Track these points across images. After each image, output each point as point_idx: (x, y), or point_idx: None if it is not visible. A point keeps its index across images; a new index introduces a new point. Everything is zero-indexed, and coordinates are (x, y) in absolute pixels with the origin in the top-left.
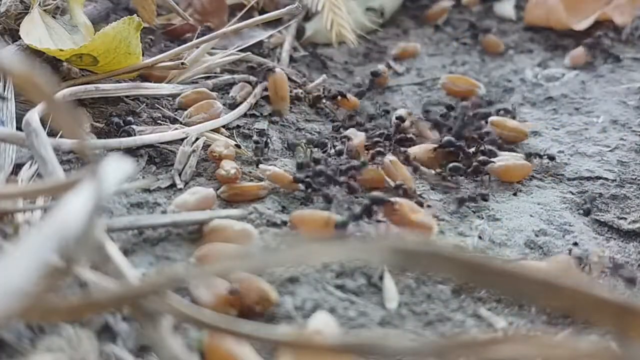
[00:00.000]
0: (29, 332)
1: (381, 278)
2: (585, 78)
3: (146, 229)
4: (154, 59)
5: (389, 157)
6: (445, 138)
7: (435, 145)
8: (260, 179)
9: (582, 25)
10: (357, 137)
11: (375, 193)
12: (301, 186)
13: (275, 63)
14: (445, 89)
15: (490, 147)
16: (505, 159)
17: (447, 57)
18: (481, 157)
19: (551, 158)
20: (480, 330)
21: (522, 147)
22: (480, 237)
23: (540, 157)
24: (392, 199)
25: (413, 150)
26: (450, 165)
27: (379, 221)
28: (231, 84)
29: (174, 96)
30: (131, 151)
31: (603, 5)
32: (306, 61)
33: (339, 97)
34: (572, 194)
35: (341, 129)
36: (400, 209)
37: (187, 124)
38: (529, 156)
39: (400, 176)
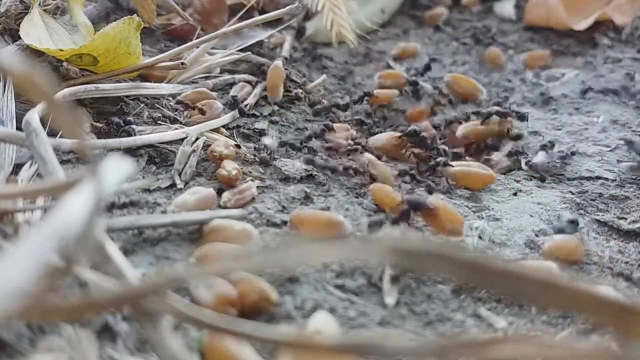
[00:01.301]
0: (29, 332)
1: (381, 278)
2: (585, 78)
3: (146, 229)
4: (154, 59)
5: (367, 155)
6: (411, 127)
7: (400, 134)
8: (260, 179)
9: (582, 25)
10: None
11: (414, 197)
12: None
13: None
14: (449, 88)
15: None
16: (466, 164)
17: (447, 57)
18: (439, 159)
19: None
20: (480, 330)
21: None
22: (480, 237)
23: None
24: (430, 203)
25: (375, 139)
26: (398, 170)
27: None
28: (231, 84)
29: (174, 96)
30: (131, 151)
31: (603, 5)
32: (306, 61)
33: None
34: (572, 194)
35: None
36: (437, 213)
37: (187, 124)
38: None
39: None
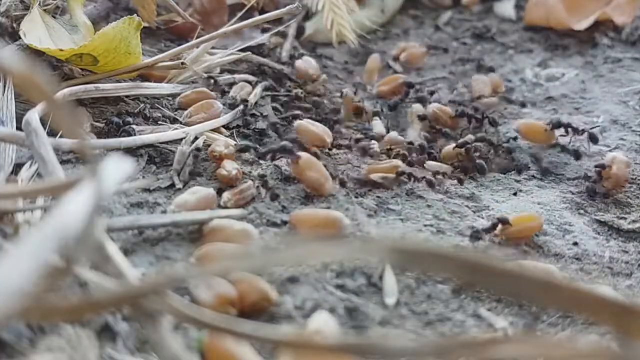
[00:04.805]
0: (29, 332)
1: (381, 278)
2: (585, 78)
3: (146, 229)
4: (154, 58)
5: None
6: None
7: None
8: (260, 178)
9: (582, 25)
10: None
11: (286, 143)
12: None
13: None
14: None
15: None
16: None
17: (447, 57)
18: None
19: None
20: (480, 330)
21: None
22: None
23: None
24: (299, 153)
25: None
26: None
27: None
28: (231, 84)
29: (174, 96)
30: (131, 151)
31: (603, 5)
32: None
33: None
34: (572, 193)
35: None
36: (300, 163)
37: (187, 124)
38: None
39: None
